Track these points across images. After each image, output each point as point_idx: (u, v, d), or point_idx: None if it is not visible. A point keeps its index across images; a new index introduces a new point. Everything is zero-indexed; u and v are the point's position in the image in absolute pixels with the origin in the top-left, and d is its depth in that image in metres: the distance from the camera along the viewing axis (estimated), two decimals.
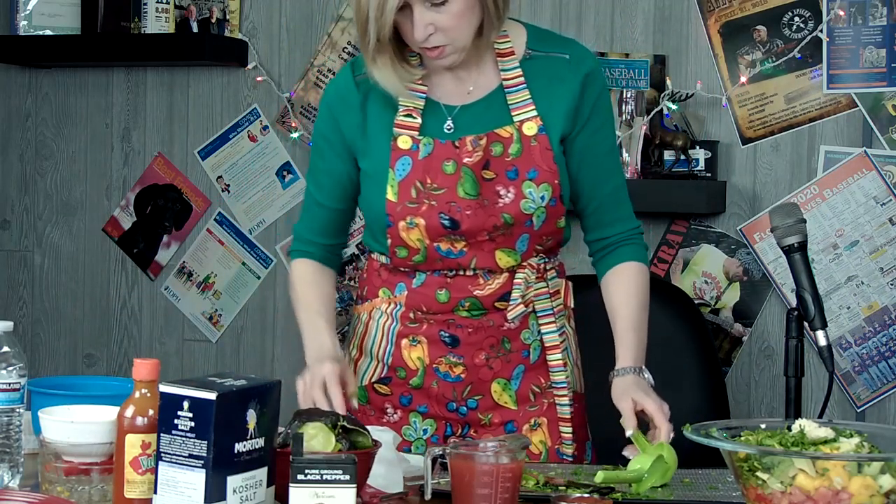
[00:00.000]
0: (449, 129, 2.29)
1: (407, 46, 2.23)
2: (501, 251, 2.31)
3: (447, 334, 2.34)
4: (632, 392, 2.23)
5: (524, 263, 2.34)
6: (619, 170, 2.45)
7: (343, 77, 2.36)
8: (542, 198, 2.28)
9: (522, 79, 2.29)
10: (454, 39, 2.17)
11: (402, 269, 2.38)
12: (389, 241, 2.33)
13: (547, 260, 2.38)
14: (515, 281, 2.33)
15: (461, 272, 2.34)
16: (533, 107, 2.28)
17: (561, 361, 2.40)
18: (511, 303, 2.31)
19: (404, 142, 2.28)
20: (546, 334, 2.39)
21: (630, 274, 2.37)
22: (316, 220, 2.45)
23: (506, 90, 2.29)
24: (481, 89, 2.29)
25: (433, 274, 2.33)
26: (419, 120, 2.28)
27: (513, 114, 2.27)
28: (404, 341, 2.37)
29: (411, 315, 2.30)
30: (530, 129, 2.28)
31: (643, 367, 2.33)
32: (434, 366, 2.38)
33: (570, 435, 2.40)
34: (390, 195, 2.28)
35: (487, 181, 2.26)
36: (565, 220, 2.38)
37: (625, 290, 2.36)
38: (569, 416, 2.40)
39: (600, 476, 1.95)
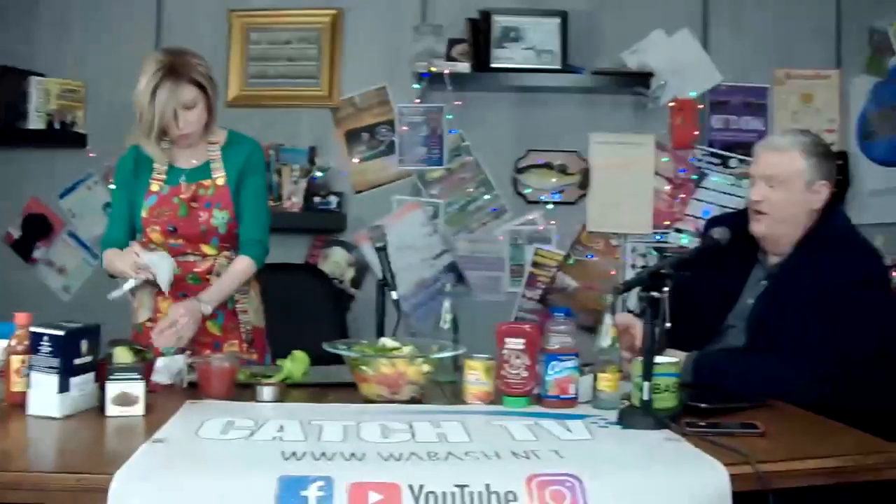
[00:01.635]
0: (182, 181, 2.94)
1: (163, 132, 2.83)
2: (203, 244, 2.98)
3: (181, 293, 2.97)
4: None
5: (222, 254, 3.02)
6: (258, 207, 3.02)
7: (129, 153, 3.00)
8: (224, 218, 2.96)
9: (220, 155, 3.00)
10: (193, 130, 2.89)
11: None
12: (144, 239, 2.96)
13: (235, 253, 3.04)
14: (216, 264, 3.00)
15: (189, 260, 2.99)
16: (223, 171, 2.97)
17: (243, 310, 3.07)
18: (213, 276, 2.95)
19: (155, 186, 2.95)
20: (234, 293, 3.06)
21: (237, 260, 2.98)
22: (115, 229, 3.05)
23: (210, 161, 2.99)
24: (201, 160, 3.00)
25: (174, 259, 2.91)
26: (164, 176, 2.94)
27: (213, 174, 2.97)
28: (159, 297, 3.00)
29: None
30: (220, 181, 2.97)
31: (202, 299, 2.88)
32: None
33: (249, 345, 3.08)
34: (144, 213, 2.95)
35: (194, 208, 2.93)
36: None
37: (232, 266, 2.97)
38: (247, 337, 3.09)
39: None
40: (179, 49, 2.90)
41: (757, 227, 2.83)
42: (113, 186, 3.17)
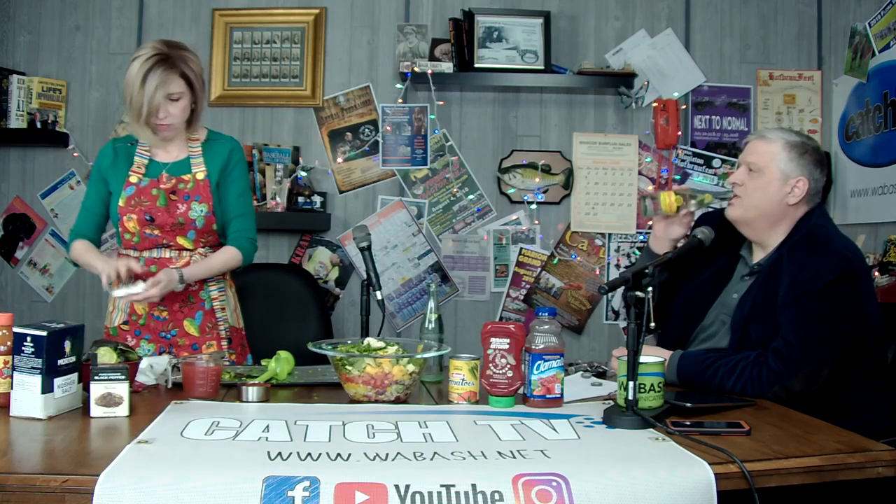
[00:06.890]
0: (164, 173, 2.92)
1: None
2: (180, 237, 2.92)
3: None
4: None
5: (198, 251, 2.95)
6: (244, 204, 3.01)
7: (108, 146, 3.01)
8: (202, 211, 2.92)
9: (200, 151, 2.99)
10: (174, 122, 2.90)
11: (132, 251, 2.86)
12: (120, 229, 2.90)
13: (211, 249, 3.00)
14: (191, 261, 2.92)
15: (165, 255, 2.91)
16: (203, 166, 2.97)
17: (221, 307, 3.04)
18: None
19: (134, 178, 2.94)
20: (211, 292, 3.03)
21: (223, 248, 2.99)
22: (85, 222, 3.01)
23: (190, 157, 2.99)
24: (181, 155, 3.00)
25: (149, 256, 2.87)
26: (143, 170, 2.94)
27: (192, 169, 2.96)
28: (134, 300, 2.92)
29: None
30: (200, 175, 2.96)
31: (182, 272, 2.85)
32: (152, 312, 2.97)
33: (227, 345, 3.01)
34: (121, 202, 2.92)
35: (173, 200, 2.90)
36: (219, 225, 2.90)
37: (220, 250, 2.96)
38: (225, 335, 3.04)
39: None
40: (178, 43, 2.92)
41: (731, 211, 2.89)
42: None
